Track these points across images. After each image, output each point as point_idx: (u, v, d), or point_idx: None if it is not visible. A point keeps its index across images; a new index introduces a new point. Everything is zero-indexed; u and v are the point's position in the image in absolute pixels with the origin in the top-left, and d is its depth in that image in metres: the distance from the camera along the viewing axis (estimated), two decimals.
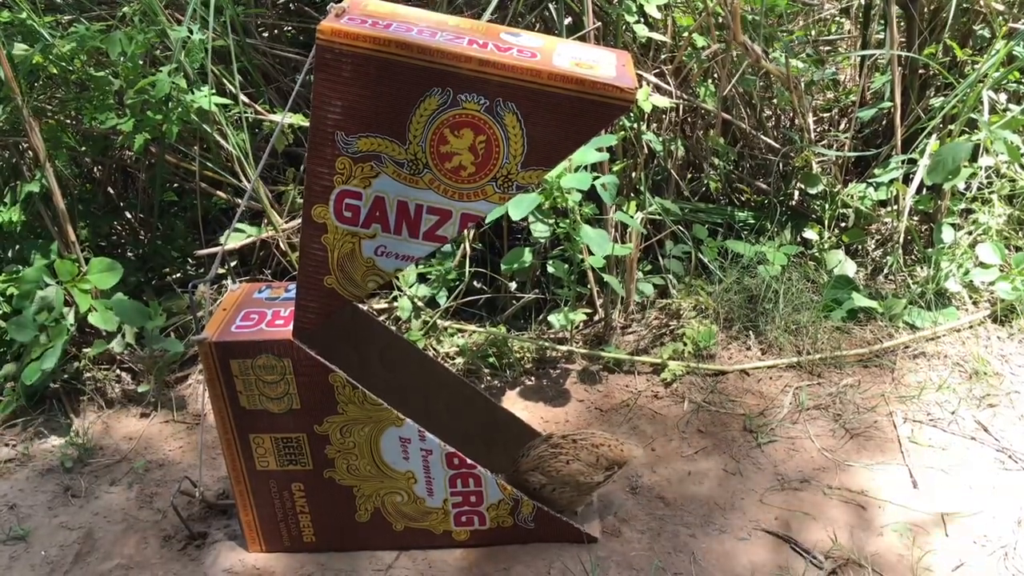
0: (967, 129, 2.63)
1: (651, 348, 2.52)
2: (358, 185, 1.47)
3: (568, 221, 2.30)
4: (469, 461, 1.72)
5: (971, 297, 2.67)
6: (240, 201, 2.69)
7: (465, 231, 2.56)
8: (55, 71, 2.39)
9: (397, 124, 1.42)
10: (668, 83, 2.72)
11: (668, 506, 1.95)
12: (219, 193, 2.70)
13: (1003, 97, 2.89)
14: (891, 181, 2.73)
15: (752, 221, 2.84)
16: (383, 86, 1.38)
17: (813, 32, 3.43)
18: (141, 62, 2.34)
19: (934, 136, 2.68)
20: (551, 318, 2.51)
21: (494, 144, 1.43)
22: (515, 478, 1.80)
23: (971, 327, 2.55)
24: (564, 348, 2.50)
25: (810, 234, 2.82)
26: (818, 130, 3.14)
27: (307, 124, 2.59)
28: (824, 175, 2.90)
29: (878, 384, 2.34)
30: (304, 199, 1.49)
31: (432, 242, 1.52)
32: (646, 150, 2.67)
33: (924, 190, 2.76)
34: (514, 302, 2.65)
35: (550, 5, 2.58)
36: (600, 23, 2.51)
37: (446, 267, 2.55)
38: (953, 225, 2.71)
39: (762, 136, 2.98)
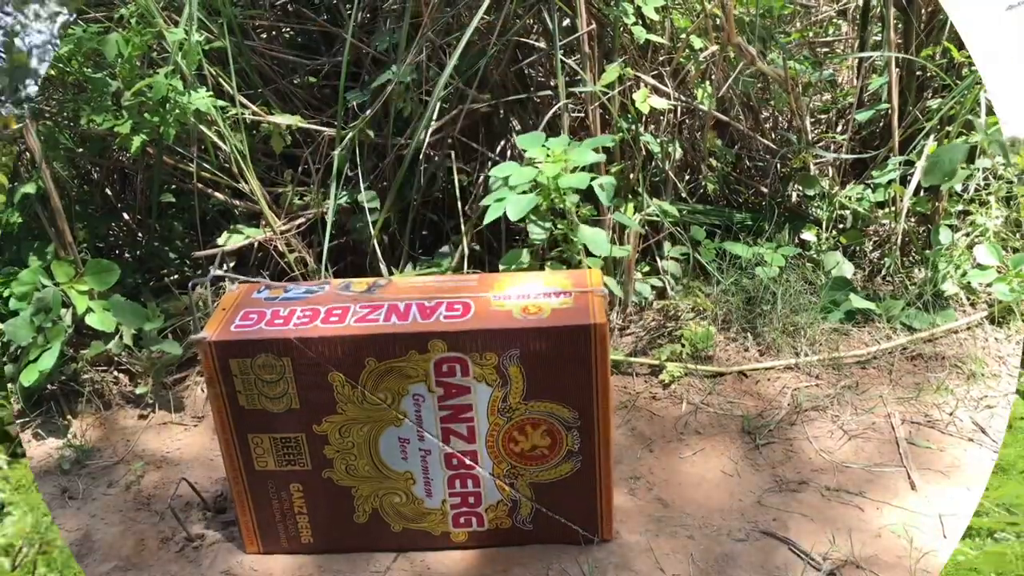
0: (964, 131, 2.63)
1: (649, 349, 2.52)
2: None
3: (566, 222, 2.30)
4: (468, 462, 1.72)
5: (968, 299, 2.67)
6: (238, 202, 2.68)
7: (463, 231, 2.56)
8: (52, 72, 2.38)
9: None
10: (666, 85, 2.73)
11: (666, 507, 1.95)
12: (216, 194, 2.70)
13: None
14: (889, 183, 2.73)
15: (750, 222, 2.84)
16: None
17: (811, 34, 3.43)
18: (138, 64, 2.33)
19: (932, 138, 2.68)
20: None
21: None
22: None
23: (969, 329, 2.55)
24: None
25: (808, 236, 2.82)
26: (816, 132, 3.14)
27: (305, 125, 2.60)
28: (822, 177, 2.91)
29: (876, 386, 2.34)
30: None
31: None
32: (644, 151, 2.67)
33: (922, 192, 2.76)
34: None
35: (542, 6, 2.57)
36: (594, 25, 2.51)
37: (444, 268, 2.55)
38: (951, 227, 2.71)
39: (760, 138, 2.98)
